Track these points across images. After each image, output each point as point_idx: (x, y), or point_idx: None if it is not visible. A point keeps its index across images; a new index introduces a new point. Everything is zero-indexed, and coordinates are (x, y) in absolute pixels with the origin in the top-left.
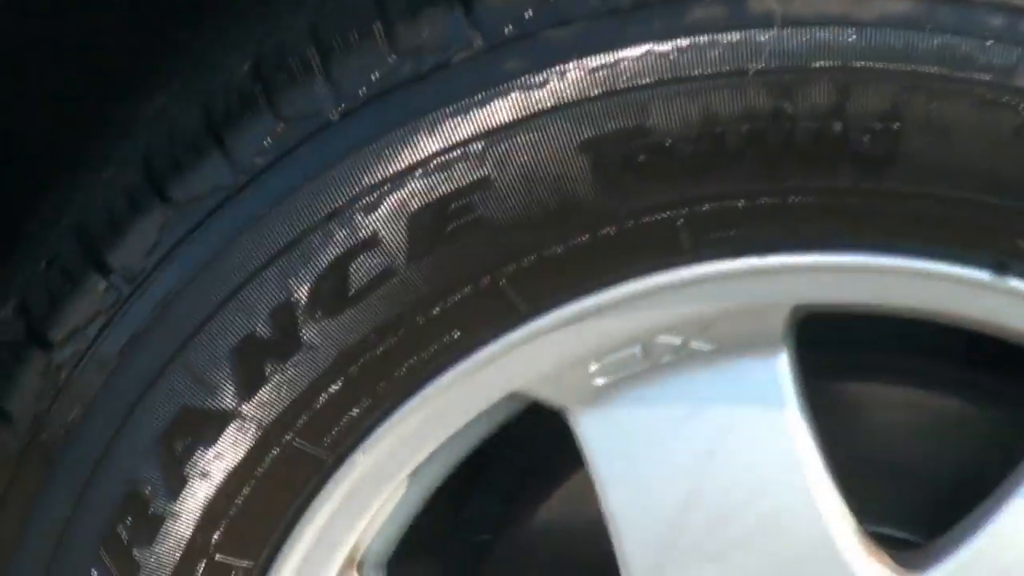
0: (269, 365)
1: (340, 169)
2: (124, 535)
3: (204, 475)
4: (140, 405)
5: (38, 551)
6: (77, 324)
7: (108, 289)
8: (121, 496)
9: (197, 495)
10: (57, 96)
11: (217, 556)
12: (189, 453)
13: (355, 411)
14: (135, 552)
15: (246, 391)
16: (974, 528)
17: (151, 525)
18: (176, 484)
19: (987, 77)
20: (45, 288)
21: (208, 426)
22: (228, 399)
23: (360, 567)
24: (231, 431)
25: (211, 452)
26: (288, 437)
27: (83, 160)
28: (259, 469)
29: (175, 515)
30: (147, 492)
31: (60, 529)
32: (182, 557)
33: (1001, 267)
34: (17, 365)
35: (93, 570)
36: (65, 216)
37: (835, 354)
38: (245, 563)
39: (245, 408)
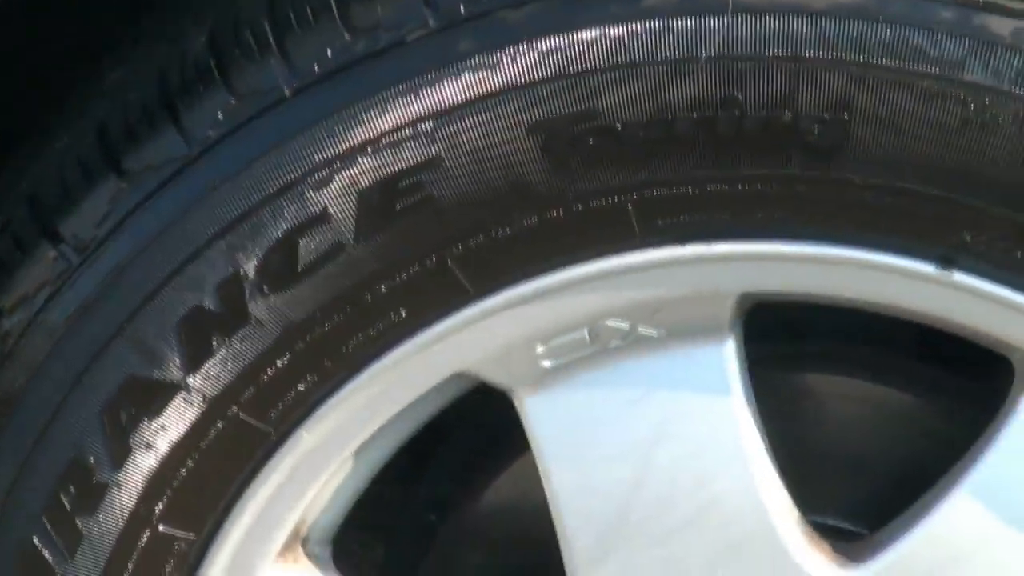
0: (216, 338)
1: (292, 145)
2: (67, 503)
3: (148, 446)
4: (86, 374)
5: None
6: (26, 292)
7: (58, 258)
8: (65, 464)
9: (141, 465)
10: (14, 66)
11: (161, 527)
12: (134, 423)
13: (301, 386)
14: (78, 521)
15: (192, 363)
16: (913, 522)
17: (95, 494)
18: (120, 454)
19: (936, 70)
20: None
21: (154, 397)
22: (174, 371)
23: (305, 543)
24: (176, 403)
25: (156, 423)
26: (233, 410)
27: (38, 129)
28: (203, 442)
29: (119, 485)
30: (91, 461)
31: (4, 495)
32: (125, 527)
33: (946, 261)
34: None
35: (35, 537)
36: (18, 185)
37: (784, 344)
38: (189, 535)
39: (191, 380)
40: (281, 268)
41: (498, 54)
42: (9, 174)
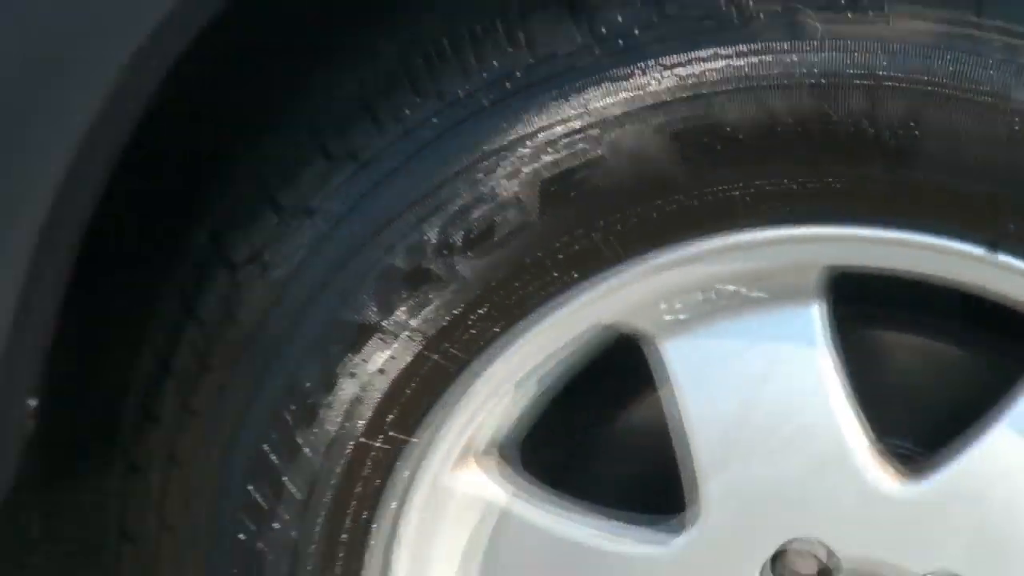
0: (433, 292)
1: (489, 144)
2: (289, 419)
3: (369, 375)
4: (307, 316)
5: (222, 433)
6: (257, 249)
7: (280, 223)
8: (287, 389)
9: (364, 391)
10: (249, 62)
11: (370, 439)
12: (354, 358)
13: (496, 328)
14: (297, 435)
15: (416, 311)
16: (968, 443)
17: (310, 413)
18: (330, 382)
19: (988, 90)
20: (232, 220)
21: (375, 338)
22: (396, 317)
23: (500, 449)
24: (402, 341)
25: (379, 357)
26: (445, 347)
27: (268, 115)
28: (419, 371)
29: (331, 405)
30: (307, 385)
31: (240, 413)
32: (336, 439)
33: (993, 245)
34: (209, 281)
35: (264, 445)
36: (249, 163)
37: (867, 306)
38: (407, 438)
39: (411, 322)
40: (482, 238)
41: (647, 77)
42: (242, 154)
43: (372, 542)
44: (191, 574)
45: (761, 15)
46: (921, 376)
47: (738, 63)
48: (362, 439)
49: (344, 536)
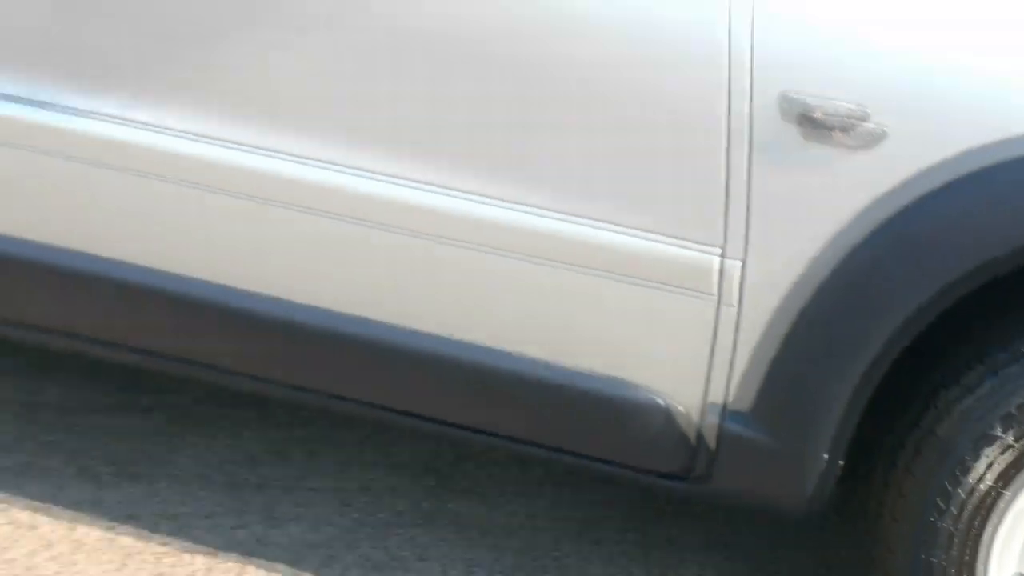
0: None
1: None
2: (957, 473)
3: (987, 460)
4: (964, 432)
5: (927, 477)
6: (947, 402)
7: (956, 392)
8: (955, 460)
9: (987, 463)
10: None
11: (985, 483)
12: (987, 449)
13: None
14: (958, 478)
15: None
16: None
17: (964, 469)
18: (976, 457)
19: None
20: (940, 389)
21: (996, 444)
22: (1003, 438)
23: None
24: (1006, 449)
25: (996, 453)
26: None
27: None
28: (1016, 462)
29: (977, 475)
30: (965, 458)
31: (934, 468)
32: (973, 484)
33: None
34: (923, 411)
35: (945, 481)
36: (950, 362)
37: None
38: (1000, 489)
39: (1015, 443)
40: None
41: None
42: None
43: (987, 530)
44: (901, 545)
45: None
46: None
47: None
48: (986, 483)
49: (975, 525)
